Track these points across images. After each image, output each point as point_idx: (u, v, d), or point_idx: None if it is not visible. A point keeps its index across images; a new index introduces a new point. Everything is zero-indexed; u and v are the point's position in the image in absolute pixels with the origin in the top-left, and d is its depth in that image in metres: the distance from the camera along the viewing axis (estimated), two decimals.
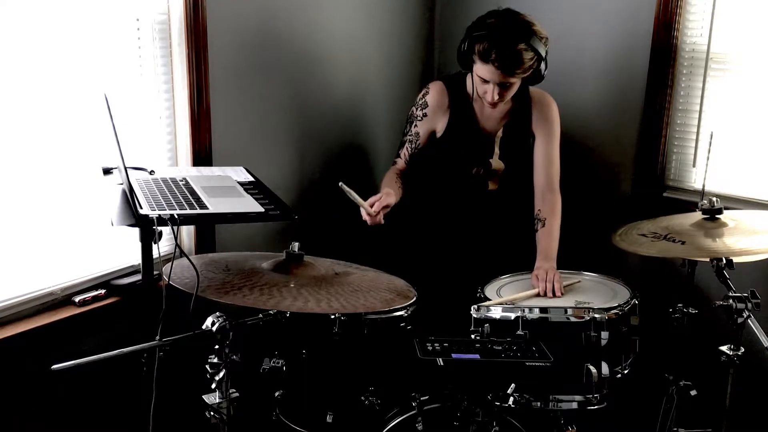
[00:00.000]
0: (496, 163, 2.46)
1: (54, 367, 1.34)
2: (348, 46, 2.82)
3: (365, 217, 2.14)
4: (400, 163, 2.45)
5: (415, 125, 2.42)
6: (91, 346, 2.00)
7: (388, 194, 2.18)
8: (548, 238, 2.32)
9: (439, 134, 2.43)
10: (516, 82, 2.26)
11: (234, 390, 1.57)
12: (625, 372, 2.00)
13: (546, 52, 2.23)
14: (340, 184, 2.00)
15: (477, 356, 1.76)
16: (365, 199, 2.12)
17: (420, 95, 2.45)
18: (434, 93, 2.42)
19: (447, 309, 2.10)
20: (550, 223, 2.33)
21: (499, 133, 2.45)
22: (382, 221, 2.14)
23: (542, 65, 2.25)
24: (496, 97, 2.25)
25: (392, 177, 2.38)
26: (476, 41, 2.19)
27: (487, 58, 2.17)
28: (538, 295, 2.13)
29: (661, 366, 2.14)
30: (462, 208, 2.52)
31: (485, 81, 2.24)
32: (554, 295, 2.12)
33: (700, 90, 2.67)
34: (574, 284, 2.21)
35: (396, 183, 2.34)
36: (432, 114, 2.41)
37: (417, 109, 2.43)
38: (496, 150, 2.45)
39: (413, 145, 2.42)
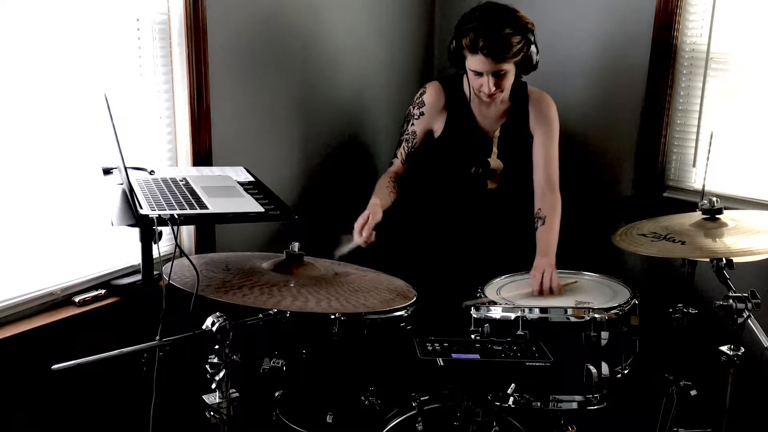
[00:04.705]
0: (495, 162, 2.46)
1: (54, 367, 1.34)
2: (348, 46, 2.82)
3: (357, 241, 2.14)
4: (397, 163, 2.45)
5: (412, 123, 2.43)
6: (92, 346, 2.00)
7: (375, 212, 2.18)
8: (548, 234, 2.32)
9: (437, 134, 2.44)
10: (509, 70, 2.27)
11: (234, 390, 1.58)
12: (625, 372, 2.00)
13: (534, 38, 2.26)
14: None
15: (477, 356, 1.76)
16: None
17: (417, 95, 2.46)
18: (431, 93, 2.43)
19: (447, 309, 2.10)
20: (550, 221, 2.33)
21: (497, 133, 2.45)
22: (374, 239, 2.14)
23: (533, 52, 2.28)
24: (493, 88, 2.26)
25: (384, 182, 2.38)
26: (463, 35, 2.23)
27: (475, 48, 2.20)
28: (533, 294, 2.14)
29: (661, 366, 2.13)
30: (462, 207, 2.52)
31: (478, 74, 2.25)
32: (551, 293, 2.12)
33: (700, 90, 2.67)
34: (571, 284, 2.21)
35: (387, 188, 2.35)
36: (429, 113, 2.42)
37: (414, 108, 2.44)
38: (494, 149, 2.45)
39: (410, 144, 2.43)
